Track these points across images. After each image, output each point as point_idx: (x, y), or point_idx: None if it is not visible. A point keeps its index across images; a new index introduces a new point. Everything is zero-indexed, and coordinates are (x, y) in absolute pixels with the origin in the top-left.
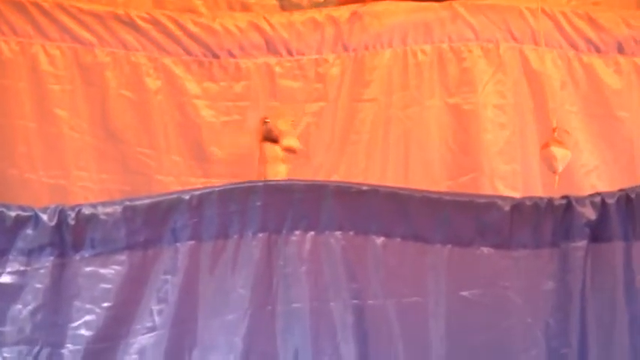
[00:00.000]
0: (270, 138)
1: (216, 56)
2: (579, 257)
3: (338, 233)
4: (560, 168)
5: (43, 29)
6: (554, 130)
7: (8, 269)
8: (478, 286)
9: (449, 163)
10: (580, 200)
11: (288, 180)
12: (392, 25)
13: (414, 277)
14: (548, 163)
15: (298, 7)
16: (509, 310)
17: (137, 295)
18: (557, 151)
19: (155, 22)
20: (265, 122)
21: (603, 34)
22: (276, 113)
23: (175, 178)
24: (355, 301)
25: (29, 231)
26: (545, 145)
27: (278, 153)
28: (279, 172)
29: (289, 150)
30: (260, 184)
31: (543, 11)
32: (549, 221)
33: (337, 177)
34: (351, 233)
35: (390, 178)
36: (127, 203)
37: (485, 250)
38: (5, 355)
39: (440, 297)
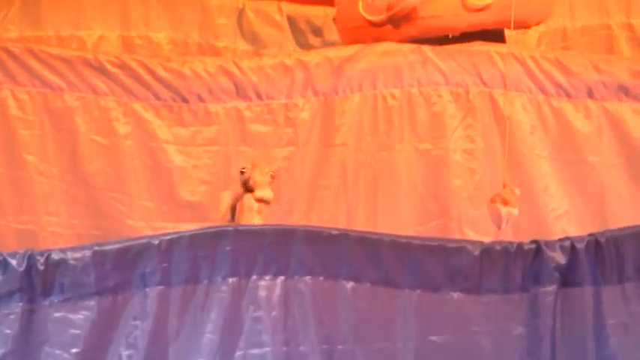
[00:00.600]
0: (247, 188)
1: (185, 101)
2: (549, 302)
3: (308, 278)
4: (503, 225)
5: (13, 74)
6: (503, 186)
7: None
8: (448, 331)
9: (418, 208)
10: (550, 244)
11: (256, 225)
12: (362, 68)
13: (383, 322)
14: (493, 218)
15: (312, 47)
16: (479, 356)
17: (106, 341)
18: (502, 208)
19: (124, 67)
20: (242, 172)
21: (573, 78)
22: (253, 163)
23: (146, 223)
24: (325, 346)
25: None
26: (492, 201)
27: (253, 204)
28: (254, 223)
29: (261, 201)
30: (230, 228)
31: (513, 56)
32: (519, 266)
33: (308, 221)
34: (321, 278)
35: (360, 223)
36: (96, 248)
37: (454, 294)
38: None
39: (409, 342)
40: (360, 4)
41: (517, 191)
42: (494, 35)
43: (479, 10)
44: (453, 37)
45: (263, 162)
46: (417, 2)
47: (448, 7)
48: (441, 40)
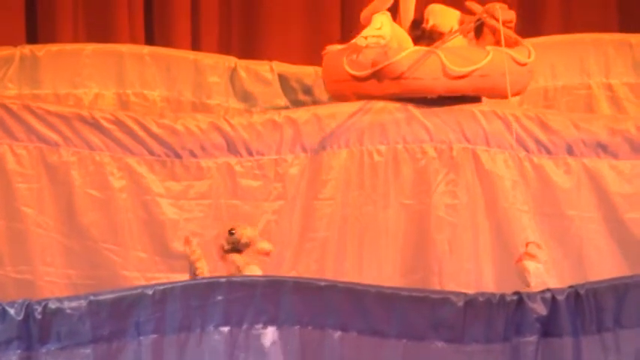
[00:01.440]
0: (240, 247)
1: (178, 156)
2: (530, 352)
3: (297, 327)
4: (533, 282)
5: (11, 130)
6: (527, 244)
7: None
8: None
9: (401, 261)
10: (531, 296)
11: (248, 276)
12: (349, 126)
13: None
14: (522, 276)
15: (303, 104)
16: None
17: None
18: (529, 264)
19: (119, 123)
20: (232, 233)
21: (553, 136)
22: (239, 223)
23: (140, 273)
24: None
25: None
26: (519, 260)
27: (247, 259)
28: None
29: (264, 253)
30: (222, 279)
31: (495, 114)
32: (501, 316)
33: (296, 272)
34: (310, 327)
35: (347, 274)
36: (92, 298)
37: (439, 344)
38: None
39: None
40: (345, 59)
41: (542, 247)
42: (472, 100)
43: (458, 77)
44: (431, 98)
45: (245, 220)
46: (404, 64)
47: (430, 71)
48: (421, 99)
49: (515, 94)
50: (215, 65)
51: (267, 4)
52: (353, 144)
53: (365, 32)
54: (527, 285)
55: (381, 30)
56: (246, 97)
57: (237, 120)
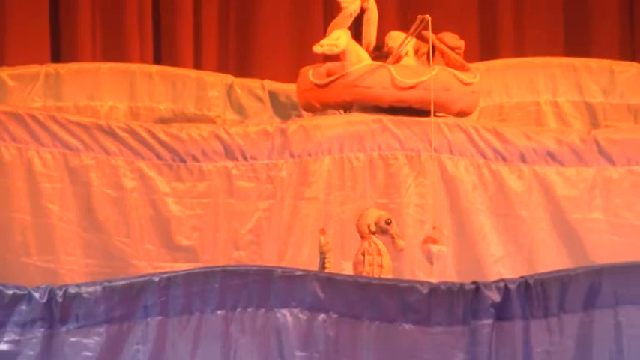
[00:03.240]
0: (383, 233)
1: (183, 161)
2: (486, 333)
3: (285, 310)
4: (434, 261)
5: (38, 137)
6: (433, 228)
7: (6, 339)
8: (401, 357)
9: None
10: (487, 285)
11: (242, 265)
12: (331, 136)
13: (348, 348)
14: (426, 256)
15: (290, 117)
16: None
17: None
18: (432, 247)
19: (131, 132)
20: (388, 223)
21: (508, 146)
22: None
23: (148, 262)
24: None
25: (24, 307)
26: (425, 242)
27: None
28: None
29: (399, 248)
30: (218, 269)
31: (458, 126)
32: (461, 302)
33: (284, 263)
34: (296, 310)
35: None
36: (106, 284)
37: (407, 326)
38: None
39: None
40: (310, 71)
41: (445, 232)
42: (422, 113)
43: (405, 88)
44: (383, 108)
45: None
46: (357, 74)
47: (380, 81)
48: (375, 109)
49: (460, 112)
50: (214, 82)
51: (259, 29)
52: (335, 151)
53: (322, 42)
54: (431, 264)
55: (337, 41)
56: (241, 109)
57: (234, 130)
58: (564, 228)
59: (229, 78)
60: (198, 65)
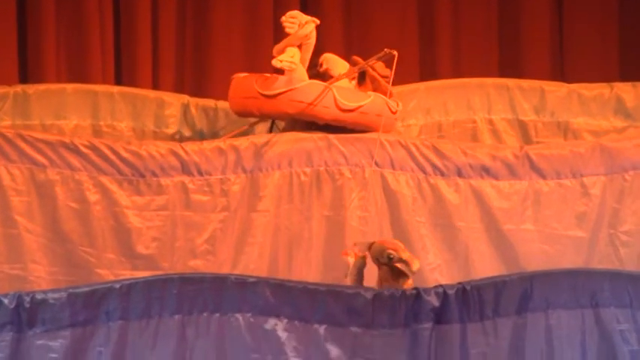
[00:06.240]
0: (394, 263)
1: (142, 176)
2: (426, 336)
3: (238, 315)
4: (349, 272)
5: (7, 153)
6: (354, 244)
7: None
8: (347, 357)
9: (322, 261)
10: (427, 291)
11: (198, 273)
12: (281, 152)
13: (299, 350)
14: (345, 266)
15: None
16: None
17: None
18: (350, 259)
19: (94, 149)
20: (391, 257)
21: (446, 161)
22: (398, 246)
23: (110, 271)
24: None
25: None
26: (343, 254)
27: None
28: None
29: (412, 272)
30: (176, 276)
31: (399, 142)
32: (402, 307)
33: (237, 271)
34: (249, 315)
35: (280, 272)
36: (71, 290)
37: (352, 329)
38: None
39: None
40: (255, 81)
41: (363, 248)
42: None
43: (346, 110)
44: (318, 125)
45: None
46: (304, 91)
47: (324, 101)
48: (310, 125)
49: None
50: (172, 102)
51: (214, 52)
52: (284, 167)
53: (281, 57)
54: (345, 275)
55: (293, 59)
56: (196, 128)
57: (190, 146)
58: (498, 237)
59: (185, 98)
60: (156, 86)
